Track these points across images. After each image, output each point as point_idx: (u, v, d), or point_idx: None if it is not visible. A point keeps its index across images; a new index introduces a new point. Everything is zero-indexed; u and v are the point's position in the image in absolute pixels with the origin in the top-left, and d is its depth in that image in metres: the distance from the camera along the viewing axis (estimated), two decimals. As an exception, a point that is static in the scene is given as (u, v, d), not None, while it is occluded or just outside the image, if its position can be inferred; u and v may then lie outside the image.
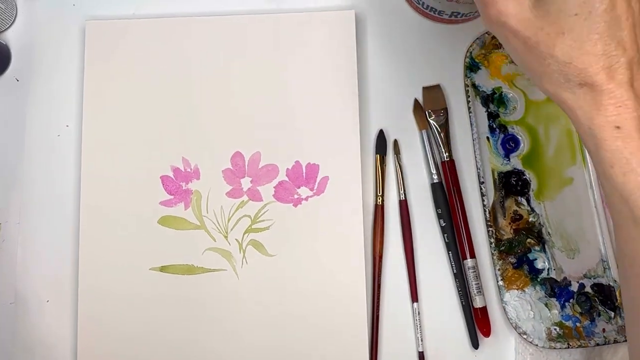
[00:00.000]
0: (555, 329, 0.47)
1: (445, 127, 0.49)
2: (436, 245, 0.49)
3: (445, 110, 0.50)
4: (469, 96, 0.49)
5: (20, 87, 0.51)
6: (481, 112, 0.50)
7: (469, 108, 0.49)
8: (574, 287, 0.48)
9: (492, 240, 0.48)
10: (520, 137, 0.49)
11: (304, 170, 0.48)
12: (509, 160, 0.49)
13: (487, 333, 0.47)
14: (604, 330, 0.47)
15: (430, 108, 0.50)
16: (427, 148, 0.49)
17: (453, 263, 0.48)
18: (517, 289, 0.47)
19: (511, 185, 0.49)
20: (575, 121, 0.33)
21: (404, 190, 0.49)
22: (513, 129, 0.49)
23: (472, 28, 0.51)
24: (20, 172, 0.50)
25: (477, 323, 0.47)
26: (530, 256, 0.48)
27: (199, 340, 0.47)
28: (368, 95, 0.50)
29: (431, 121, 0.49)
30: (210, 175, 0.49)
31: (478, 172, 0.49)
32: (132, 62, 0.50)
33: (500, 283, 0.47)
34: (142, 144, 0.49)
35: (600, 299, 0.47)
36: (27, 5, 0.52)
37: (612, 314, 0.47)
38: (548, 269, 0.48)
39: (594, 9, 0.30)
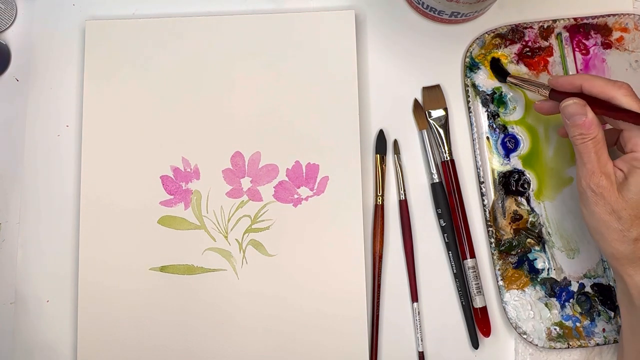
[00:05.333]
0: (555, 329, 0.47)
1: (445, 127, 0.49)
2: (436, 245, 0.49)
3: (445, 110, 0.50)
4: (468, 96, 0.49)
5: (20, 87, 0.51)
6: (481, 112, 0.50)
7: (469, 108, 0.49)
8: (574, 287, 0.48)
9: (492, 240, 0.48)
10: (520, 137, 0.49)
11: (304, 170, 0.48)
12: (509, 160, 0.49)
13: (487, 333, 0.47)
14: (604, 330, 0.47)
15: (430, 108, 0.50)
16: (427, 148, 0.49)
17: (453, 263, 0.48)
18: (517, 289, 0.47)
19: (511, 185, 0.49)
20: (632, 289, 0.41)
21: (404, 190, 0.49)
22: (513, 129, 0.49)
23: (472, 28, 0.51)
24: (20, 172, 0.50)
25: (477, 323, 0.47)
26: (530, 256, 0.48)
27: (199, 340, 0.47)
28: (368, 95, 0.50)
29: (431, 121, 0.49)
30: (210, 175, 0.49)
31: (478, 172, 0.49)
32: (132, 62, 0.50)
33: (500, 283, 0.47)
34: (142, 144, 0.49)
35: (600, 299, 0.47)
36: (27, 5, 0.52)
37: (612, 314, 0.47)
38: (548, 269, 0.48)
39: None
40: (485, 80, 0.50)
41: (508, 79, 0.48)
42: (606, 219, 0.40)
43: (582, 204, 0.42)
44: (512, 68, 0.50)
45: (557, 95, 0.43)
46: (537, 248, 0.48)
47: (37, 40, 0.52)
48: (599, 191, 0.40)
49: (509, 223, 0.48)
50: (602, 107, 0.41)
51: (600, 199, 0.40)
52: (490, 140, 0.49)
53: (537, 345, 0.46)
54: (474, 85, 0.50)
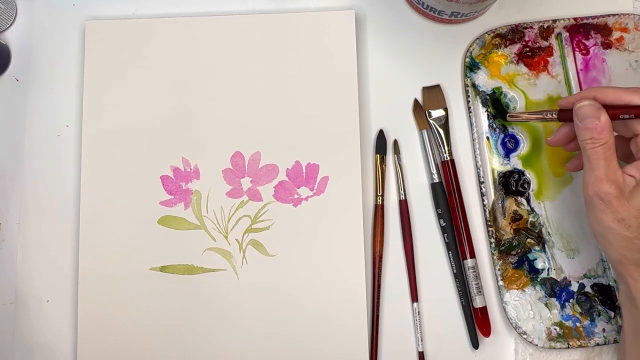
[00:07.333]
0: (555, 329, 0.47)
1: (445, 127, 0.49)
2: (436, 245, 0.49)
3: (445, 110, 0.50)
4: (468, 96, 0.49)
5: (20, 87, 0.51)
6: (481, 112, 0.50)
7: (469, 108, 0.49)
8: (574, 287, 0.48)
9: (492, 240, 0.48)
10: (520, 137, 0.49)
11: (304, 170, 0.48)
12: (509, 160, 0.49)
13: (487, 333, 0.47)
14: (604, 330, 0.47)
15: (430, 108, 0.50)
16: (427, 148, 0.49)
17: (453, 263, 0.48)
18: (517, 289, 0.47)
19: (511, 185, 0.49)
20: (636, 292, 0.40)
21: (404, 190, 0.49)
22: (513, 129, 0.49)
23: (472, 28, 0.51)
24: (20, 172, 0.50)
25: (477, 323, 0.47)
26: (530, 256, 0.48)
27: (199, 339, 0.47)
28: (368, 95, 0.50)
29: (431, 121, 0.49)
30: (210, 175, 0.49)
31: (478, 172, 0.49)
32: (132, 62, 0.50)
33: (500, 283, 0.47)
34: (142, 144, 0.49)
35: (600, 299, 0.47)
36: (27, 5, 0.52)
37: (612, 314, 0.47)
38: (548, 269, 0.48)
39: None
40: (485, 80, 0.50)
41: (508, 117, 0.47)
42: (614, 227, 0.39)
43: (588, 211, 0.41)
44: (512, 68, 0.50)
45: (567, 114, 0.42)
46: (537, 248, 0.48)
47: (37, 40, 0.52)
48: (607, 199, 0.39)
49: (509, 223, 0.48)
50: (619, 109, 0.40)
51: (608, 206, 0.39)
52: (490, 140, 0.49)
53: (537, 345, 0.46)
54: (474, 85, 0.50)
